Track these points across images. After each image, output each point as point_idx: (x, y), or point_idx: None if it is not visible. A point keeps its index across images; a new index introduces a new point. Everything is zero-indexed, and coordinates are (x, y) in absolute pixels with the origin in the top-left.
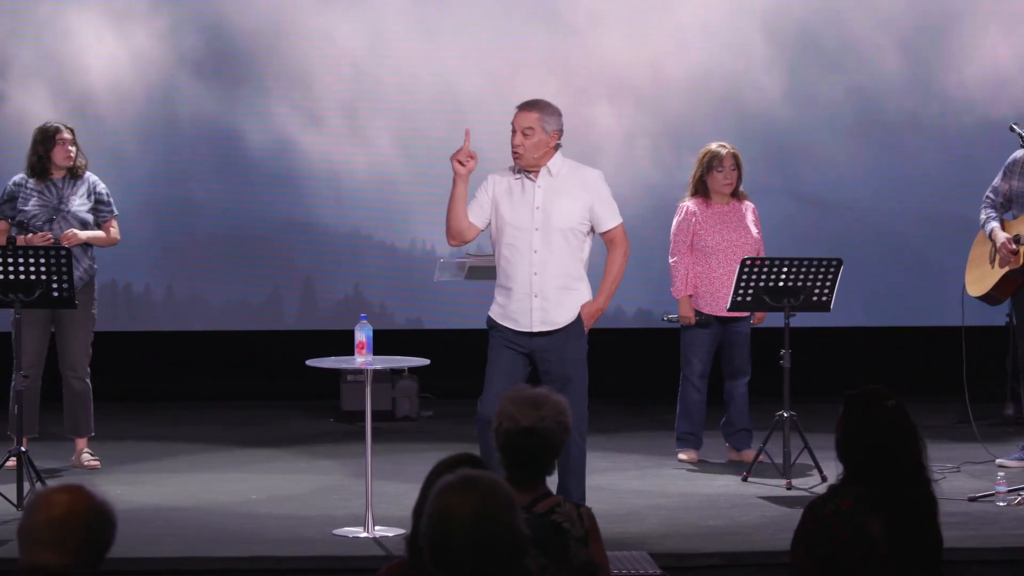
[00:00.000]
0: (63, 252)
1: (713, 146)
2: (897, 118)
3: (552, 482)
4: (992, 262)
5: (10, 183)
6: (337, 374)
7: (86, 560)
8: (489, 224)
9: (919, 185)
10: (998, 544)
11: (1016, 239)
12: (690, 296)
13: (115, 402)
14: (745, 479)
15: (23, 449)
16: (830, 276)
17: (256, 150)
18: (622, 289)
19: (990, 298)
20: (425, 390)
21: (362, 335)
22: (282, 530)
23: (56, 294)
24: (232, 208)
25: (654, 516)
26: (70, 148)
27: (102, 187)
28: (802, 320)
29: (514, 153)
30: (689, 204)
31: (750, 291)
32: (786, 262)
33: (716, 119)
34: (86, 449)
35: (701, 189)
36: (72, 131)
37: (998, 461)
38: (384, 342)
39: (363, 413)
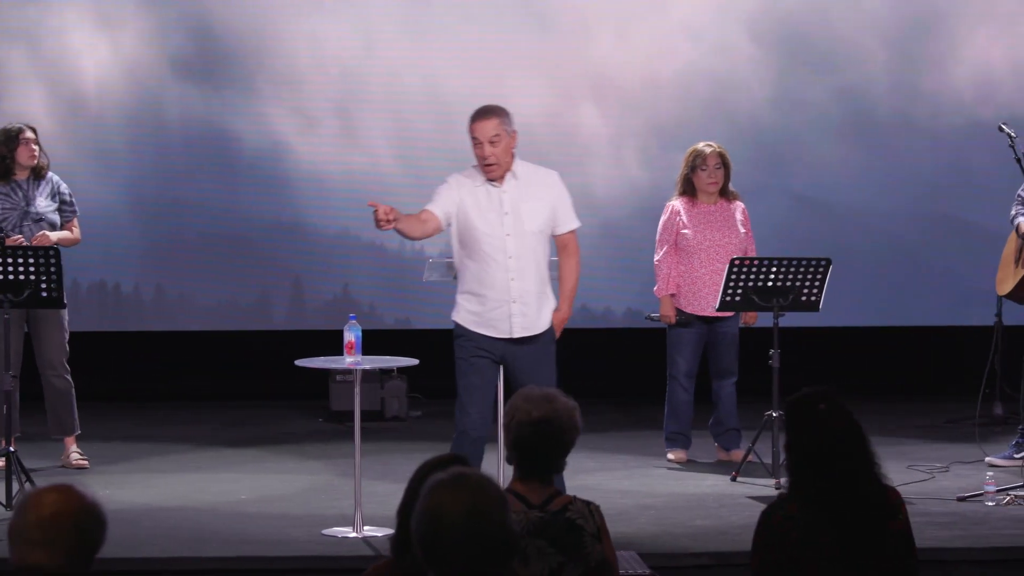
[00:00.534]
0: (52, 252)
1: (699, 145)
2: (887, 119)
3: None
4: (1018, 261)
5: None
6: (326, 374)
7: (76, 560)
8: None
9: (909, 185)
10: (987, 544)
11: None
12: (672, 295)
13: (103, 402)
14: (734, 479)
15: (12, 449)
16: (819, 276)
17: (245, 150)
18: (611, 289)
19: (1017, 296)
20: (414, 390)
21: (351, 335)
22: (271, 530)
23: (45, 294)
24: (221, 208)
25: (643, 516)
26: (34, 147)
27: (65, 187)
28: (791, 320)
29: (487, 166)
30: (675, 203)
31: (739, 291)
32: (775, 262)
33: (705, 120)
34: (75, 448)
35: (688, 188)
36: (35, 131)
37: (987, 460)
38: (373, 342)
39: (352, 413)
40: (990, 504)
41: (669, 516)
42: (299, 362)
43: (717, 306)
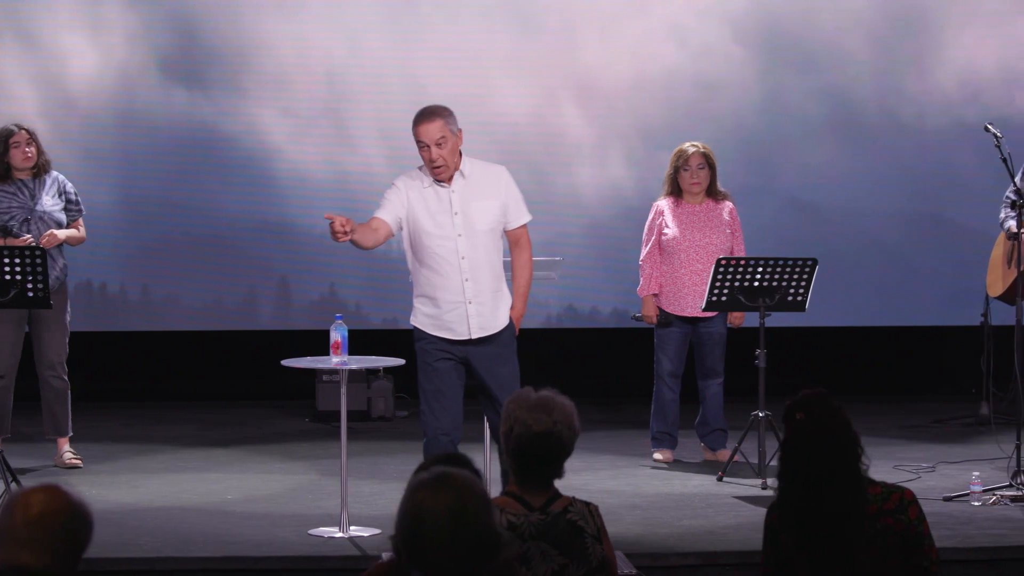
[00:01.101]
0: (38, 252)
1: (684, 145)
2: (873, 119)
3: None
4: (1009, 262)
5: None
6: (313, 374)
7: (63, 560)
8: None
9: (895, 185)
10: (973, 544)
11: None
12: (655, 295)
13: (90, 402)
14: (720, 479)
15: None
16: (805, 276)
17: (231, 151)
18: (597, 289)
19: (1008, 298)
20: (400, 390)
21: (337, 335)
22: (257, 530)
23: (31, 294)
24: (207, 208)
25: (629, 516)
26: (27, 150)
27: (70, 187)
28: (778, 320)
29: (436, 168)
30: (660, 203)
31: (725, 291)
32: (761, 262)
33: (690, 121)
34: (68, 448)
35: (674, 189)
36: (29, 131)
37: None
38: (359, 342)
39: (338, 413)
40: (976, 504)
41: (655, 516)
42: (285, 362)
43: (703, 306)
